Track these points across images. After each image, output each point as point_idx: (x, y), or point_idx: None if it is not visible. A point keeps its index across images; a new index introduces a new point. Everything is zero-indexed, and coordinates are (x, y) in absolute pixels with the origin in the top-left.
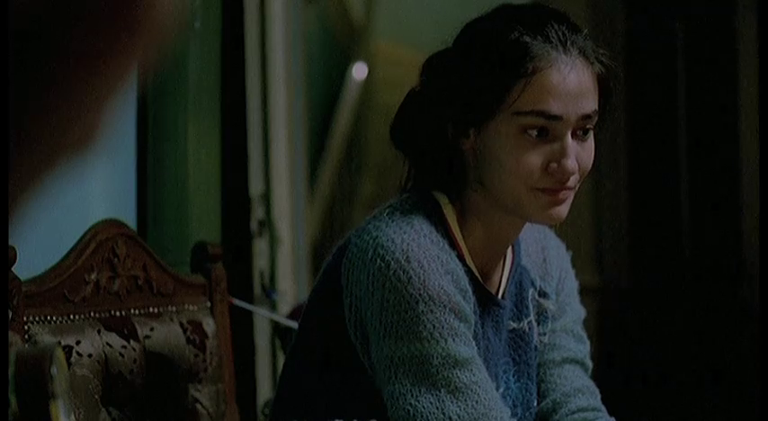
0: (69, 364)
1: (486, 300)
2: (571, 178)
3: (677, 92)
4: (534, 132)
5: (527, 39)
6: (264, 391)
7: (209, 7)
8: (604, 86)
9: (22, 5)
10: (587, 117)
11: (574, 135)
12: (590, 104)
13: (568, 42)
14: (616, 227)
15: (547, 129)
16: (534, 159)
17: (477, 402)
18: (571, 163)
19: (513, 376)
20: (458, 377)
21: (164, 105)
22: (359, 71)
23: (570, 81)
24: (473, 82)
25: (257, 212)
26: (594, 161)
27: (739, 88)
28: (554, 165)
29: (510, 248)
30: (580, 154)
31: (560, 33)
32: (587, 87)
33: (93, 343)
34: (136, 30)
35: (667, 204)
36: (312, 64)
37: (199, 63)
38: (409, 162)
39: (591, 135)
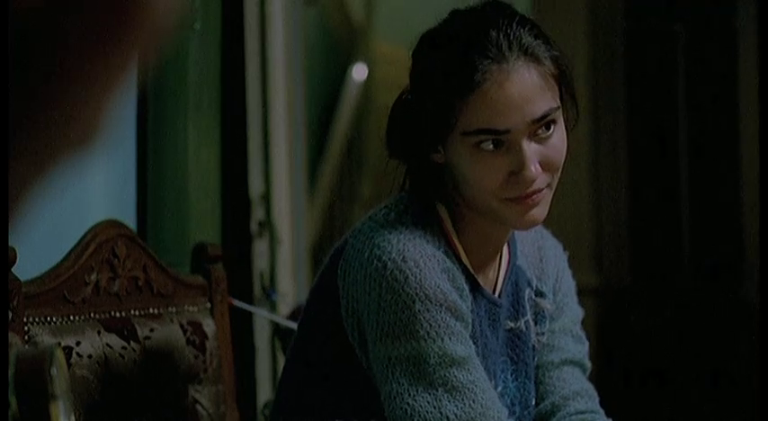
0: (69, 365)
1: (482, 299)
2: (538, 180)
3: (677, 92)
4: (488, 146)
5: (464, 55)
6: (264, 392)
7: (209, 7)
8: (560, 78)
9: (22, 3)
10: (540, 119)
11: (533, 136)
12: (540, 107)
13: (504, 47)
14: (616, 227)
15: (500, 142)
16: (495, 173)
17: (474, 401)
18: (530, 171)
19: (511, 375)
20: (455, 376)
21: (164, 105)
22: (359, 72)
23: (509, 90)
24: (425, 102)
25: (257, 213)
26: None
27: (739, 88)
28: (514, 176)
29: (506, 248)
30: (544, 153)
31: (496, 41)
32: (532, 90)
33: (92, 344)
34: (135, 26)
35: (667, 204)
36: (312, 64)
37: (199, 63)
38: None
39: (556, 129)
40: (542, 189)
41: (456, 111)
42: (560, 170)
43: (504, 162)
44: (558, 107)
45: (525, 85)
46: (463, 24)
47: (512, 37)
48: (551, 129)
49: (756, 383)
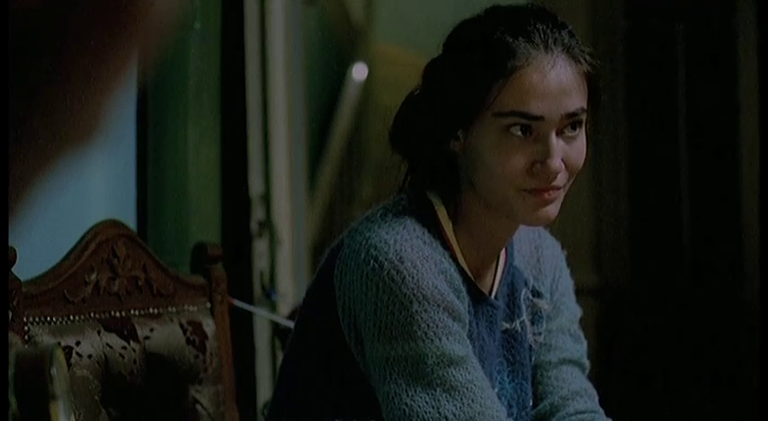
0: (69, 365)
1: (479, 300)
2: (558, 177)
3: (677, 92)
4: (517, 132)
5: (508, 38)
6: (264, 392)
7: (209, 7)
8: (592, 84)
9: (22, 3)
10: (572, 115)
11: (560, 133)
12: (574, 102)
13: (550, 40)
14: (616, 227)
15: (530, 129)
16: (518, 160)
17: (473, 400)
18: (555, 162)
19: (508, 376)
20: (453, 376)
21: (164, 105)
22: (359, 72)
23: (551, 79)
24: (457, 83)
25: (257, 213)
26: (588, 160)
27: (739, 88)
28: (538, 165)
29: (503, 249)
30: (568, 152)
31: (543, 32)
32: (571, 85)
33: (92, 343)
34: (135, 25)
35: (667, 204)
36: (312, 64)
37: (199, 63)
38: (408, 164)
39: (580, 132)
40: (560, 186)
41: (493, 91)
42: (575, 176)
43: (530, 150)
44: (586, 111)
45: (567, 78)
46: (506, 16)
47: (557, 34)
48: (577, 131)
49: (756, 383)
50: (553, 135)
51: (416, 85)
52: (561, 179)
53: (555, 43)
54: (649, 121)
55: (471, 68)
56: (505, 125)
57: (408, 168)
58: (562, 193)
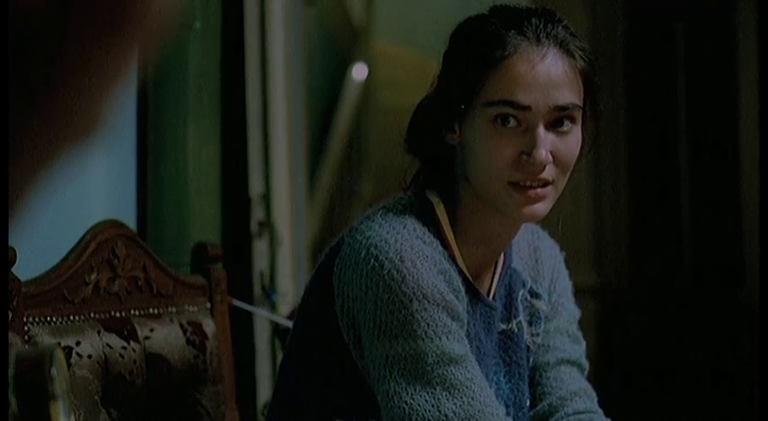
0: (69, 365)
1: (477, 301)
2: (546, 171)
3: (677, 92)
4: (505, 122)
5: (500, 30)
6: (264, 392)
7: (209, 7)
8: (588, 82)
9: (22, 3)
10: (561, 108)
11: (550, 127)
12: (564, 96)
13: (542, 34)
14: (616, 227)
15: (518, 120)
16: (506, 150)
17: (472, 399)
18: (540, 153)
19: (504, 377)
20: (453, 374)
21: (164, 105)
22: (359, 72)
23: (539, 70)
24: (451, 74)
25: (257, 213)
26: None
27: (739, 88)
28: (525, 156)
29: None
30: (558, 146)
31: (535, 26)
32: (561, 79)
33: (93, 344)
34: (135, 24)
35: (667, 205)
36: (312, 64)
37: (199, 63)
38: (419, 164)
39: (574, 129)
40: (548, 183)
41: (483, 81)
42: (568, 173)
43: (518, 141)
44: (581, 108)
45: (556, 71)
46: (505, 12)
47: (550, 29)
48: (569, 127)
49: (756, 383)
50: (541, 127)
51: (432, 85)
52: (549, 173)
53: (547, 37)
54: (649, 122)
55: (465, 59)
56: (494, 115)
57: (420, 168)
58: (553, 191)
